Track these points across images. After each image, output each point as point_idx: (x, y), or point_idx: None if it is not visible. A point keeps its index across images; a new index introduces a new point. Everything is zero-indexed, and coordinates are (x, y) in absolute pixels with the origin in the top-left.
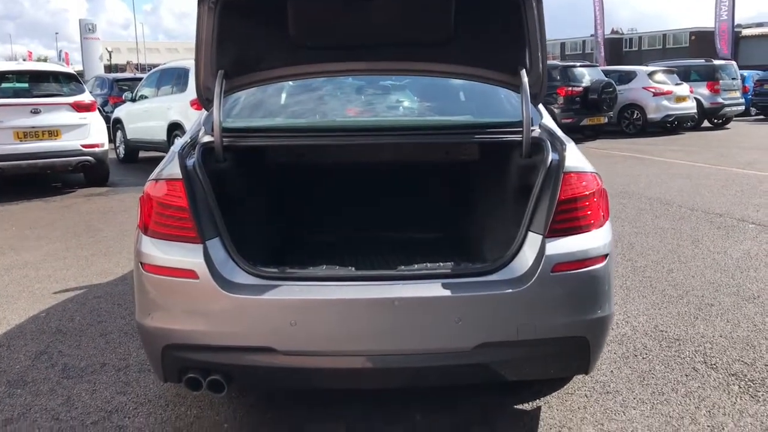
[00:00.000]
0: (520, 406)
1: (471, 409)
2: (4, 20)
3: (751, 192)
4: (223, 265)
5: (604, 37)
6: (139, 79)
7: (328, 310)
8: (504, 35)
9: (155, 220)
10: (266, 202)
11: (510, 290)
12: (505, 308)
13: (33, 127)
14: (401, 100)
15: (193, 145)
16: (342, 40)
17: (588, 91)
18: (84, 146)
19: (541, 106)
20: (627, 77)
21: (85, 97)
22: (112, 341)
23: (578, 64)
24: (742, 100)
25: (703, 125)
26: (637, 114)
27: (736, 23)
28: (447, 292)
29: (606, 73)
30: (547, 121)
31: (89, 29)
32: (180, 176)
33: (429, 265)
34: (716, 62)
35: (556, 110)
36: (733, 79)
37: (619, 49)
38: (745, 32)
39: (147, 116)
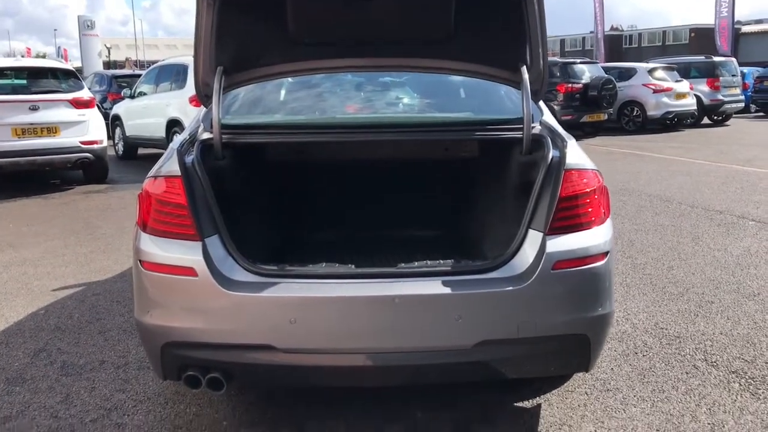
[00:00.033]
0: (520, 404)
1: (471, 406)
2: (3, 16)
3: (751, 189)
4: (222, 262)
5: (604, 34)
6: (138, 76)
7: (327, 308)
8: (505, 32)
9: (154, 217)
10: (265, 199)
11: (510, 288)
12: (506, 306)
13: (31, 124)
14: (401, 97)
15: (192, 142)
16: (342, 37)
17: (588, 88)
18: (83, 143)
19: (541, 103)
20: (627, 74)
21: (84, 94)
22: (111, 338)
23: (578, 60)
24: (742, 97)
25: (702, 122)
26: (637, 111)
27: (736, 20)
28: (447, 290)
29: (606, 69)
30: (548, 117)
31: (88, 26)
32: (179, 173)
33: (429, 262)
34: (716, 59)
35: (555, 107)
36: (733, 75)
37: (619, 46)
38: (745, 29)
39: (146, 113)
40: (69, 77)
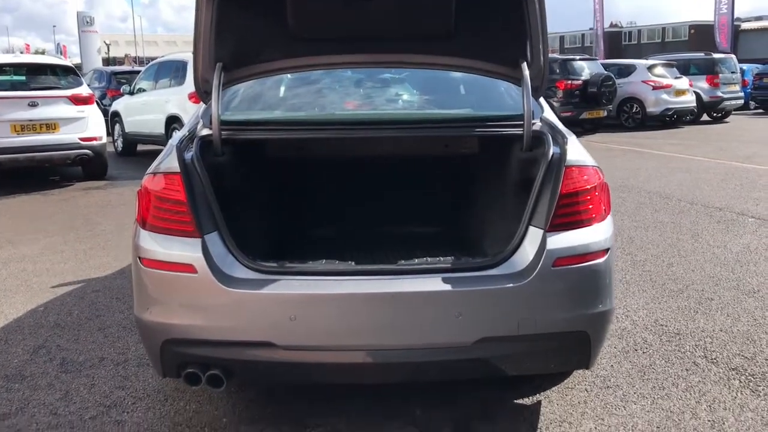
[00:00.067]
0: (520, 401)
1: (471, 403)
2: (2, 12)
3: (750, 186)
4: (222, 259)
5: (603, 31)
6: (137, 72)
7: (327, 305)
8: (505, 27)
9: (153, 214)
10: (265, 195)
11: (511, 285)
12: (506, 303)
13: (30, 120)
14: (401, 94)
15: (191, 138)
16: (341, 33)
17: (587, 85)
18: (82, 139)
19: (542, 99)
20: (626, 71)
21: (83, 90)
22: (111, 335)
23: (577, 57)
24: (742, 94)
25: (702, 119)
26: (637, 107)
27: (735, 17)
28: (447, 287)
29: (605, 66)
30: (548, 114)
31: (87, 22)
32: (178, 170)
33: (429, 259)
34: (716, 56)
35: (555, 104)
36: (732, 72)
37: (618, 43)
38: (745, 26)
39: (145, 109)
40: (68, 74)
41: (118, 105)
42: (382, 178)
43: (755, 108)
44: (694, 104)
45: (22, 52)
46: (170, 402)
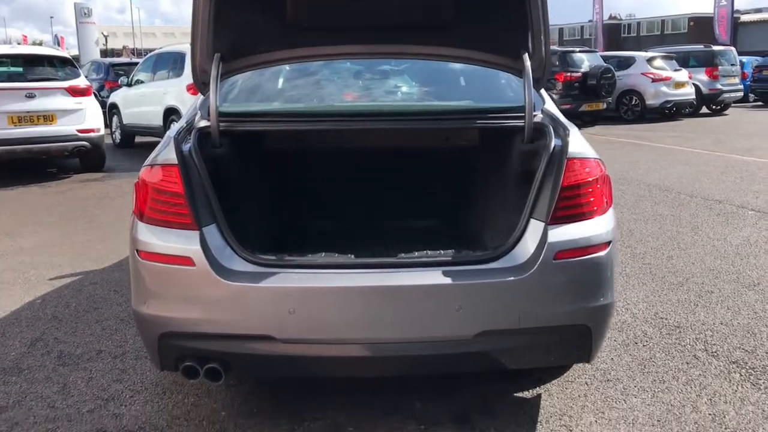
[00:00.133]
0: (520, 394)
1: (471, 396)
2: None
3: (750, 178)
4: (220, 252)
5: (602, 23)
6: (135, 64)
7: (327, 298)
8: (506, 18)
9: (151, 206)
10: (264, 188)
11: (511, 278)
12: (507, 296)
13: (28, 112)
14: (400, 85)
15: (189, 129)
16: (341, 23)
17: (587, 77)
18: (80, 131)
19: (543, 91)
20: (626, 63)
21: (81, 82)
22: (109, 328)
23: (577, 49)
24: (741, 87)
25: (701, 111)
26: (636, 100)
27: (735, 9)
28: (447, 280)
29: (605, 58)
30: (550, 106)
31: (85, 13)
32: (176, 161)
33: (429, 252)
34: (715, 48)
35: (554, 96)
36: (732, 65)
37: (618, 35)
38: (744, 18)
39: (143, 101)
40: (65, 65)
41: (116, 97)
42: (382, 171)
43: (754, 100)
44: (694, 97)
45: (19, 43)
46: (168, 395)
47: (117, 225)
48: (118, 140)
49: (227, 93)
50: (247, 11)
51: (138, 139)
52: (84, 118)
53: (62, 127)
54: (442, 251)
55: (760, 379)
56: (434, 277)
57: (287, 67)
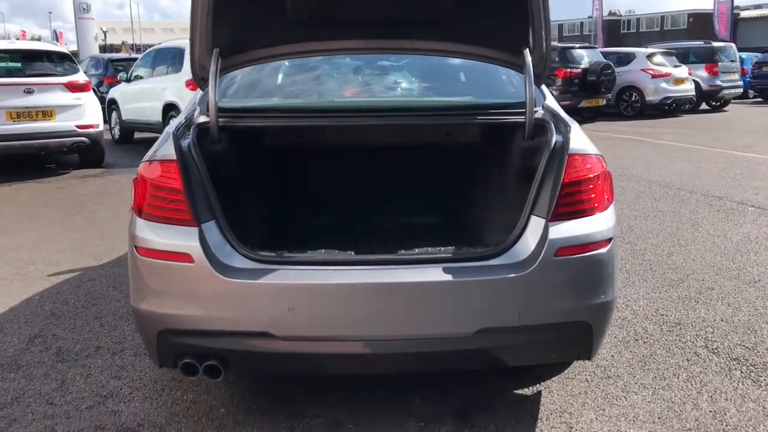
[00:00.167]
0: (520, 391)
1: (471, 393)
2: None
3: (750, 175)
4: (219, 248)
5: (602, 19)
6: (134, 60)
7: (326, 295)
8: (507, 13)
9: (149, 202)
10: (263, 184)
11: (512, 275)
12: (507, 293)
13: (26, 108)
14: (400, 81)
15: (188, 125)
16: (340, 18)
17: (587, 73)
18: (78, 127)
19: (544, 87)
20: (626, 59)
21: (80, 77)
22: (107, 324)
23: (577, 45)
24: (741, 83)
25: (701, 108)
26: (636, 96)
27: (734, 5)
28: (448, 277)
29: (605, 54)
30: (551, 102)
31: (84, 9)
32: (174, 157)
33: (429, 249)
34: (715, 44)
35: (554, 92)
36: (731, 61)
37: (617, 31)
38: (744, 14)
39: (142, 97)
40: (64, 60)
41: (115, 92)
42: (382, 167)
43: (754, 97)
44: (693, 93)
45: (18, 39)
46: (167, 392)
47: (116, 221)
48: (117, 136)
49: (226, 88)
50: (246, 6)
51: (137, 134)
52: (83, 113)
53: (61, 123)
54: (442, 248)
55: (761, 376)
56: (434, 274)
57: (287, 62)
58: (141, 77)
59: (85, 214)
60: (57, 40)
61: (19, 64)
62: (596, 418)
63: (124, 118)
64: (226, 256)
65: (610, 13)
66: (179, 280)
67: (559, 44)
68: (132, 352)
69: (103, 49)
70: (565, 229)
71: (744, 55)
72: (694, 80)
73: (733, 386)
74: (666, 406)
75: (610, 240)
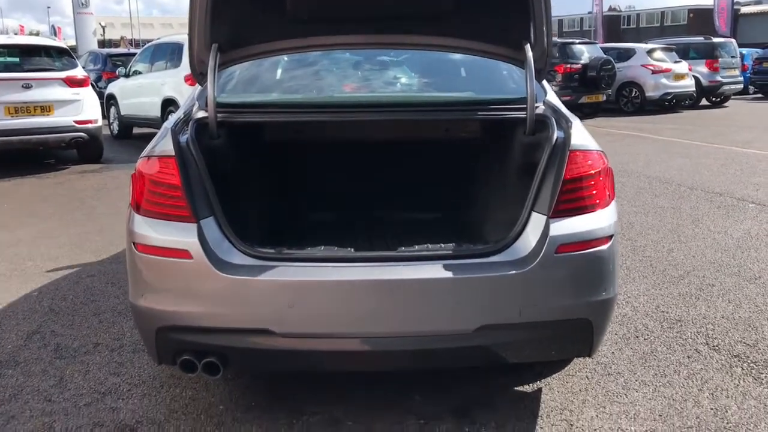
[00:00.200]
0: (520, 388)
1: (471, 390)
2: None
3: (750, 171)
4: (218, 244)
5: (602, 14)
6: (133, 55)
7: (326, 292)
8: (508, 8)
9: (147, 198)
10: (262, 180)
11: (513, 272)
12: (507, 290)
13: (24, 103)
14: (400, 76)
15: (186, 120)
16: (340, 13)
17: (587, 69)
18: (77, 122)
19: (545, 82)
20: (626, 54)
21: (78, 72)
22: (106, 321)
23: (577, 41)
24: (741, 79)
25: (701, 103)
26: (636, 92)
27: (735, 0)
28: (448, 274)
29: (605, 50)
30: (552, 97)
31: (82, 4)
32: (173, 153)
33: (430, 246)
34: (715, 40)
35: (554, 88)
36: (732, 57)
37: (617, 27)
38: (744, 9)
39: (141, 92)
40: (62, 55)
41: (114, 88)
42: (382, 163)
43: (754, 93)
44: (693, 89)
45: (16, 34)
46: (166, 389)
47: (115, 217)
48: (115, 131)
49: (225, 84)
50: (245, 1)
51: (136, 130)
52: (81, 108)
53: (59, 118)
54: (442, 244)
55: (762, 374)
56: (434, 271)
57: (286, 57)
58: (140, 72)
59: (84, 209)
60: (55, 35)
61: (17, 59)
62: (597, 416)
63: (122, 114)
64: (225, 252)
65: (610, 9)
66: (178, 277)
67: (559, 40)
68: (131, 348)
69: (102, 44)
70: (567, 226)
71: (744, 50)
72: (694, 76)
73: (734, 383)
74: (667, 404)
75: (611, 237)
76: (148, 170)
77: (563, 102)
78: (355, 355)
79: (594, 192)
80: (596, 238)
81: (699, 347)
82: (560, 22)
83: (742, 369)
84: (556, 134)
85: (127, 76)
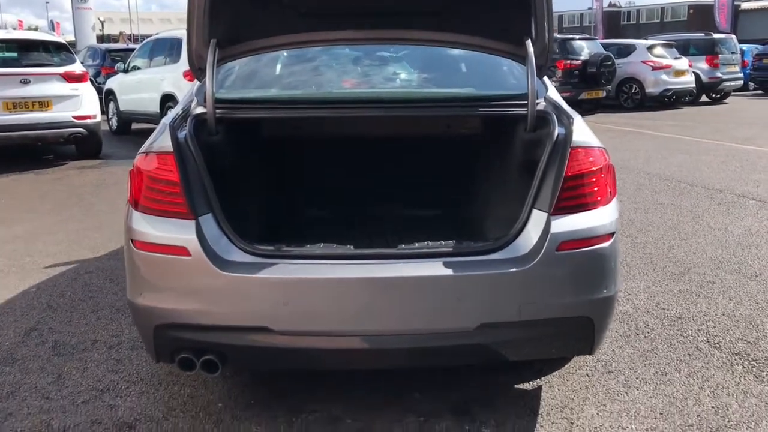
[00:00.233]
0: (521, 386)
1: (471, 388)
2: None
3: (750, 167)
4: (217, 241)
5: (602, 10)
6: (132, 50)
7: (325, 290)
8: (509, 3)
9: (145, 194)
10: (261, 176)
11: (513, 269)
12: (508, 288)
13: (23, 98)
14: (399, 72)
15: (184, 116)
16: (339, 8)
17: (587, 65)
18: (76, 118)
19: (546, 78)
20: (626, 51)
21: (76, 68)
22: (104, 317)
23: (577, 37)
24: (741, 75)
25: (701, 100)
26: (636, 88)
27: None
28: (448, 272)
29: (605, 46)
30: (553, 94)
31: None
32: (171, 149)
33: (430, 243)
34: (716, 36)
35: (554, 84)
36: (732, 53)
37: (617, 23)
38: (745, 5)
39: (140, 87)
40: (61, 50)
41: (113, 83)
42: (382, 159)
43: (754, 89)
44: (694, 85)
45: (14, 29)
46: (164, 386)
47: (113, 213)
48: (114, 127)
49: (224, 79)
50: None
51: (135, 125)
52: (80, 104)
53: (58, 114)
54: (442, 242)
55: (763, 371)
56: (435, 269)
57: (285, 53)
58: (138, 68)
59: (82, 205)
60: (54, 30)
61: (15, 54)
62: (597, 414)
63: (121, 109)
64: (224, 249)
65: (610, 5)
66: (176, 274)
67: (560, 35)
68: (129, 345)
69: (101, 39)
70: (568, 223)
71: (744, 47)
72: (694, 72)
73: (735, 381)
74: (667, 402)
75: (612, 234)
76: (146, 166)
77: (563, 98)
78: (354, 353)
79: (595, 189)
80: (598, 235)
81: (700, 345)
82: (560, 17)
83: (743, 367)
84: (558, 131)
85: (125, 71)
